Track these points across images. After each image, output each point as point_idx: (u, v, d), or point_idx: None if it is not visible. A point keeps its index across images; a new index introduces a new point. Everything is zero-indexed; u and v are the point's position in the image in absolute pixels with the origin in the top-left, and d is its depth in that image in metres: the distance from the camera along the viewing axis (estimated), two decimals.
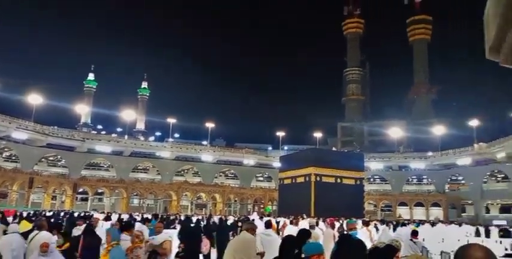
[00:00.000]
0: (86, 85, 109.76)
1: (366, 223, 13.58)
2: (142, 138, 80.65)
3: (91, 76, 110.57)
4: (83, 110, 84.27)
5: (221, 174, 68.79)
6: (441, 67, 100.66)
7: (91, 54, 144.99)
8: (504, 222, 46.63)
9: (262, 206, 61.82)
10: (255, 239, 6.36)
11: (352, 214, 31.60)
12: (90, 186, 51.76)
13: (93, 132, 79.49)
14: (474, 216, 55.58)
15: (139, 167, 64.39)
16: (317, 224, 15.02)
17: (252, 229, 6.28)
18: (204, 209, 58.33)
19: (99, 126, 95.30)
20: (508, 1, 1.23)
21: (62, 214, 28.27)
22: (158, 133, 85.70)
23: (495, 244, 16.68)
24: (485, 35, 1.53)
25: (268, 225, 8.90)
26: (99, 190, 54.46)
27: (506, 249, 15.25)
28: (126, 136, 63.94)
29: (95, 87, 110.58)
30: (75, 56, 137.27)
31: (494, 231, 25.01)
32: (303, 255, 3.84)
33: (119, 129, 78.82)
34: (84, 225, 9.11)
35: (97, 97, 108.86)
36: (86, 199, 53.62)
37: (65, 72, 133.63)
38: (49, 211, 33.45)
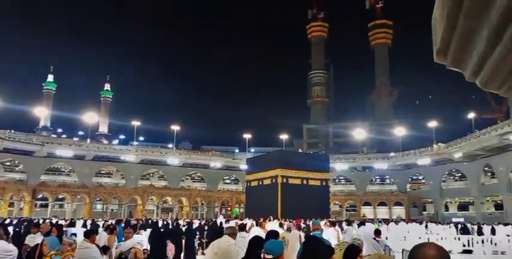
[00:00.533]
0: (45, 87, 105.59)
1: (333, 224, 13.82)
2: (105, 142, 78.47)
3: (50, 77, 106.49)
4: (42, 112, 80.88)
5: (187, 177, 68.01)
6: (401, 70, 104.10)
7: (50, 55, 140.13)
8: (462, 219, 48.69)
9: (229, 209, 61.61)
10: (235, 243, 6.39)
11: (318, 215, 32.04)
12: (50, 192, 49.83)
13: (53, 135, 76.54)
14: (434, 214, 57.71)
15: (102, 171, 62.62)
16: (281, 225, 15.16)
17: (234, 233, 6.31)
18: (170, 213, 57.44)
19: (60, 130, 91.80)
20: (453, 4, 1.26)
21: (16, 221, 27.07)
22: (122, 137, 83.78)
23: (454, 240, 17.34)
24: (433, 39, 1.57)
25: (242, 228, 9.32)
26: (60, 196, 52.57)
27: (464, 245, 15.87)
28: (88, 140, 62.02)
29: (54, 89, 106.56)
30: (34, 56, 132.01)
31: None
32: (269, 257, 3.85)
33: (80, 133, 76.36)
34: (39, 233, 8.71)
35: (57, 99, 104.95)
36: (46, 206, 51.60)
37: (22, 74, 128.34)
38: (4, 219, 31.94)
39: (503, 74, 1.36)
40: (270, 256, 3.74)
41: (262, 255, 3.87)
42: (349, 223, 16.48)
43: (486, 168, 52.06)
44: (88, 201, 50.94)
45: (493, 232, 23.26)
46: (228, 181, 71.51)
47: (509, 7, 1.10)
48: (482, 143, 46.47)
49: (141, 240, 8.01)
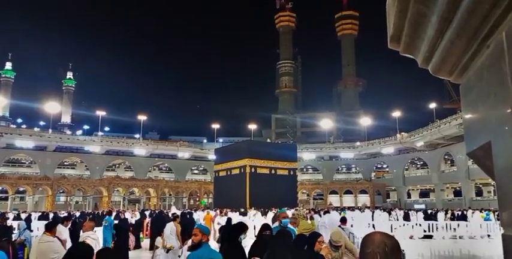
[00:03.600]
0: (3, 75, 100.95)
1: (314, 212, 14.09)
2: (68, 132, 76.10)
3: (8, 65, 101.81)
4: None
5: (155, 168, 67.20)
6: (367, 60, 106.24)
7: (8, 42, 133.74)
8: (423, 206, 50.65)
9: (197, 199, 61.44)
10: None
11: (286, 204, 32.48)
12: (10, 185, 47.95)
13: (13, 126, 73.51)
14: (397, 201, 59.75)
15: (65, 163, 60.91)
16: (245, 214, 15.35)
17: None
18: (137, 204, 56.63)
19: (19, 120, 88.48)
20: None
21: None
22: (86, 127, 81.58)
23: (415, 226, 18.00)
24: (387, 25, 1.56)
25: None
26: (21, 189, 50.74)
27: (425, 231, 16.49)
28: (50, 131, 59.84)
29: (13, 77, 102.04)
30: None
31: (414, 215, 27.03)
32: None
33: (41, 123, 73.78)
34: None
35: (16, 88, 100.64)
36: (6, 199, 49.71)
37: None
38: None
39: (453, 60, 1.37)
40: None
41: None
42: (315, 211, 16.86)
43: (446, 156, 54.22)
44: (51, 193, 49.39)
45: (461, 217, 24.23)
46: (196, 171, 71.19)
47: None
48: (442, 132, 48.26)
49: (93, 233, 7.81)
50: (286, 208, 17.92)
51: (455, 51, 1.30)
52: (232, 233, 5.03)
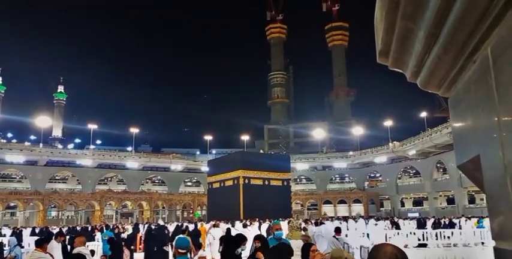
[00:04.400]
0: None
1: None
2: (60, 146, 75.38)
3: None
4: None
5: (148, 180, 66.68)
6: (358, 71, 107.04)
7: None
8: (417, 214, 50.70)
9: (191, 212, 60.91)
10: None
11: (280, 214, 32.34)
12: (1, 200, 47.19)
13: (3, 140, 72.65)
14: (391, 209, 59.74)
15: (57, 177, 60.19)
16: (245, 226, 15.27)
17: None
18: (130, 218, 55.99)
19: (9, 134, 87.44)
20: (390, 5, 1.27)
21: None
22: (78, 141, 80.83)
23: (409, 235, 17.99)
24: (376, 40, 1.59)
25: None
26: (11, 204, 49.97)
27: (419, 239, 16.48)
28: (41, 145, 59.32)
29: (3, 91, 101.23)
30: None
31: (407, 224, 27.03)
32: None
33: (32, 137, 73.13)
34: None
35: (6, 102, 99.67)
36: None
37: None
38: None
39: (441, 74, 1.40)
40: (184, 251, 4.27)
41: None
42: (306, 221, 16.91)
43: (438, 165, 54.52)
44: (42, 208, 48.70)
45: (449, 225, 24.26)
46: (189, 183, 70.75)
47: (442, 8, 1.12)
48: (434, 141, 48.62)
49: (85, 248, 7.69)
50: (280, 219, 17.82)
51: (443, 66, 1.33)
52: (230, 245, 5.02)
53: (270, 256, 4.79)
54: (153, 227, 21.70)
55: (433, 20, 1.18)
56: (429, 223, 26.11)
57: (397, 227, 23.43)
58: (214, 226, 16.58)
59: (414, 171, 61.08)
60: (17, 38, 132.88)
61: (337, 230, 10.40)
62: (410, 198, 63.10)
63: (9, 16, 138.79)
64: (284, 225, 14.12)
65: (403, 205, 62.48)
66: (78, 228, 29.38)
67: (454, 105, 1.47)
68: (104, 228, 16.14)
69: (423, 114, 56.76)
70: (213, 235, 14.80)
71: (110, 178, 64.31)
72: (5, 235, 18.19)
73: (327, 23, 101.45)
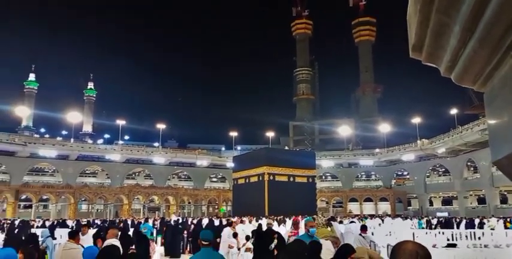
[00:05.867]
0: (27, 86, 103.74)
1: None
2: (90, 141, 77.47)
3: (32, 76, 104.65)
4: (23, 112, 79.31)
5: (174, 176, 67.68)
6: (385, 66, 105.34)
7: (31, 54, 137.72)
8: (446, 214, 49.55)
9: (216, 207, 61.55)
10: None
11: (305, 211, 32.29)
12: (34, 193, 49.02)
13: (36, 135, 75.26)
14: (419, 208, 58.56)
15: (87, 171, 61.93)
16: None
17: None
18: (157, 212, 57.09)
19: (42, 130, 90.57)
20: (424, 0, 1.27)
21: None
22: (107, 136, 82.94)
23: (438, 235, 17.61)
24: (409, 34, 1.58)
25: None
26: (44, 197, 51.78)
27: (448, 239, 16.13)
28: (72, 140, 61.08)
29: (36, 88, 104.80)
30: (14, 55, 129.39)
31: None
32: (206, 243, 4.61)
33: (64, 132, 75.40)
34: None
35: (39, 99, 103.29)
36: (30, 207, 50.77)
37: (3, 73, 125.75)
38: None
39: (476, 69, 1.38)
40: (206, 242, 4.55)
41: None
42: (331, 219, 16.87)
43: (469, 163, 53.02)
44: (73, 201, 50.27)
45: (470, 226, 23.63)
46: (214, 179, 71.40)
47: (479, 2, 1.11)
48: (464, 138, 47.27)
49: (116, 240, 7.88)
50: (313, 216, 17.83)
51: (479, 61, 1.31)
52: (264, 240, 5.06)
53: (285, 253, 4.79)
54: (172, 222, 22.23)
55: (469, 14, 1.16)
56: (462, 224, 25.37)
57: (431, 227, 22.91)
58: (241, 222, 16.88)
59: (443, 169, 59.59)
60: (48, 37, 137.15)
61: (363, 228, 10.32)
62: (439, 197, 61.65)
63: (41, 16, 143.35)
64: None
65: (431, 204, 61.13)
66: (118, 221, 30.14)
67: (490, 101, 1.45)
68: (143, 221, 16.68)
69: (453, 111, 55.24)
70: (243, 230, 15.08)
71: (137, 173, 65.64)
72: (39, 227, 18.86)
73: (353, 18, 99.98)
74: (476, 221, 25.78)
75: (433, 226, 24.11)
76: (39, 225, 23.20)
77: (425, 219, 30.38)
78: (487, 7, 1.11)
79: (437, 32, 1.35)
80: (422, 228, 22.43)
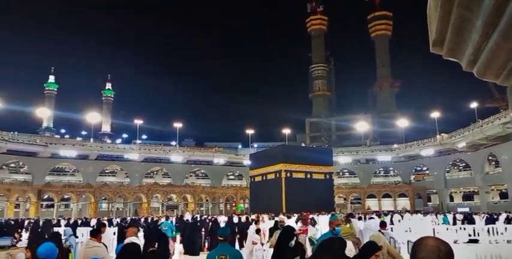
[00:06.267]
0: (47, 88, 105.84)
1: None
2: (108, 141, 78.68)
3: (51, 78, 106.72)
4: (44, 113, 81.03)
5: (191, 174, 68.20)
6: (402, 61, 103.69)
7: (50, 56, 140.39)
8: (467, 209, 48.67)
9: (234, 205, 61.80)
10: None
11: (323, 208, 32.19)
12: (56, 192, 50.07)
13: (56, 136, 76.88)
14: (439, 204, 57.70)
15: (106, 171, 62.88)
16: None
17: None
18: (175, 210, 57.65)
19: (63, 130, 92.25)
20: None
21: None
22: (125, 136, 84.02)
23: (459, 230, 17.33)
24: (429, 29, 1.57)
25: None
26: (65, 196, 52.84)
27: (470, 235, 15.86)
28: (91, 140, 62.17)
29: (55, 89, 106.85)
30: (34, 58, 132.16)
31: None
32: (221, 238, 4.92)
33: (83, 133, 76.67)
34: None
35: (59, 100, 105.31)
36: (52, 206, 51.88)
37: (23, 75, 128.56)
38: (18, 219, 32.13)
39: (499, 63, 1.36)
40: (222, 238, 4.92)
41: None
42: (350, 216, 16.70)
43: (490, 157, 51.91)
44: (93, 200, 51.16)
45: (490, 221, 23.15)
46: (231, 177, 71.67)
47: None
48: (485, 132, 46.32)
49: (136, 238, 8.00)
50: (337, 214, 17.80)
51: (502, 54, 1.29)
52: (284, 237, 5.11)
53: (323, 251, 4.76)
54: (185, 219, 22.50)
55: (491, 8, 1.15)
56: (501, 218, 24.80)
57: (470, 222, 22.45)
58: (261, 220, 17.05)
59: (464, 164, 58.50)
60: (67, 39, 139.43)
61: (383, 224, 10.21)
62: (460, 192, 60.56)
63: (60, 18, 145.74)
64: (326, 219, 14.09)
65: (451, 199, 60.14)
66: (142, 219, 30.58)
67: None
68: (164, 218, 16.99)
69: (473, 105, 54.15)
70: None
71: (155, 172, 66.35)
72: (67, 225, 19.30)
73: (369, 13, 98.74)
74: (503, 216, 25.22)
75: (461, 222, 23.69)
76: (65, 223, 23.71)
77: (452, 214, 29.78)
78: (510, 1, 1.10)
79: (459, 27, 1.34)
80: (448, 223, 22.05)
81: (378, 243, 5.80)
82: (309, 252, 7.02)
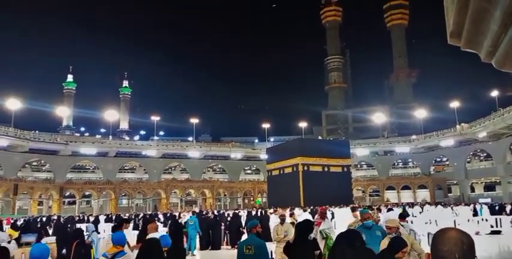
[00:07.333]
0: (66, 87, 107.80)
1: (353, 210, 13.83)
2: (127, 138, 79.86)
3: (70, 77, 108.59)
4: (63, 112, 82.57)
5: (209, 169, 68.69)
6: (419, 51, 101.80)
7: (68, 55, 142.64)
8: (489, 200, 47.80)
9: (252, 199, 62.08)
10: None
11: (341, 201, 32.08)
12: (77, 189, 51.16)
13: (76, 134, 78.31)
14: (460, 195, 56.81)
15: (125, 167, 63.84)
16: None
17: None
18: (194, 205, 58.27)
19: (82, 128, 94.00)
20: None
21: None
22: (143, 132, 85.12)
23: (482, 221, 17.06)
24: (446, 20, 1.53)
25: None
26: (87, 193, 53.90)
27: (492, 226, 15.59)
28: (110, 137, 63.16)
29: (74, 88, 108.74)
30: (52, 57, 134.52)
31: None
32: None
33: (102, 130, 77.91)
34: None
35: (77, 98, 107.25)
36: (74, 203, 53.03)
37: (42, 75, 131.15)
38: (41, 216, 32.95)
39: None
40: (249, 230, 5.51)
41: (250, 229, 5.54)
42: (369, 208, 16.58)
43: None
44: (113, 196, 52.10)
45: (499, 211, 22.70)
46: (249, 171, 71.91)
47: None
48: (506, 121, 45.28)
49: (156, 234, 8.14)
50: (366, 208, 17.73)
51: None
52: (303, 231, 5.16)
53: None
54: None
55: None
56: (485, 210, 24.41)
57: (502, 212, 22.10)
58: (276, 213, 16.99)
59: (485, 154, 57.37)
60: (84, 38, 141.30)
61: (402, 216, 10.11)
62: (481, 182, 59.50)
63: (78, 18, 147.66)
64: (348, 212, 14.03)
65: (473, 190, 59.14)
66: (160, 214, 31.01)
67: None
68: (191, 213, 17.19)
69: (494, 93, 52.93)
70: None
71: (173, 168, 67.05)
72: (84, 222, 19.73)
73: (384, 2, 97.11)
74: None
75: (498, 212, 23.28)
76: (92, 219, 24.31)
77: (489, 205, 29.08)
78: None
79: (477, 18, 1.30)
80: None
81: (393, 225, 5.88)
82: (321, 245, 7.04)
